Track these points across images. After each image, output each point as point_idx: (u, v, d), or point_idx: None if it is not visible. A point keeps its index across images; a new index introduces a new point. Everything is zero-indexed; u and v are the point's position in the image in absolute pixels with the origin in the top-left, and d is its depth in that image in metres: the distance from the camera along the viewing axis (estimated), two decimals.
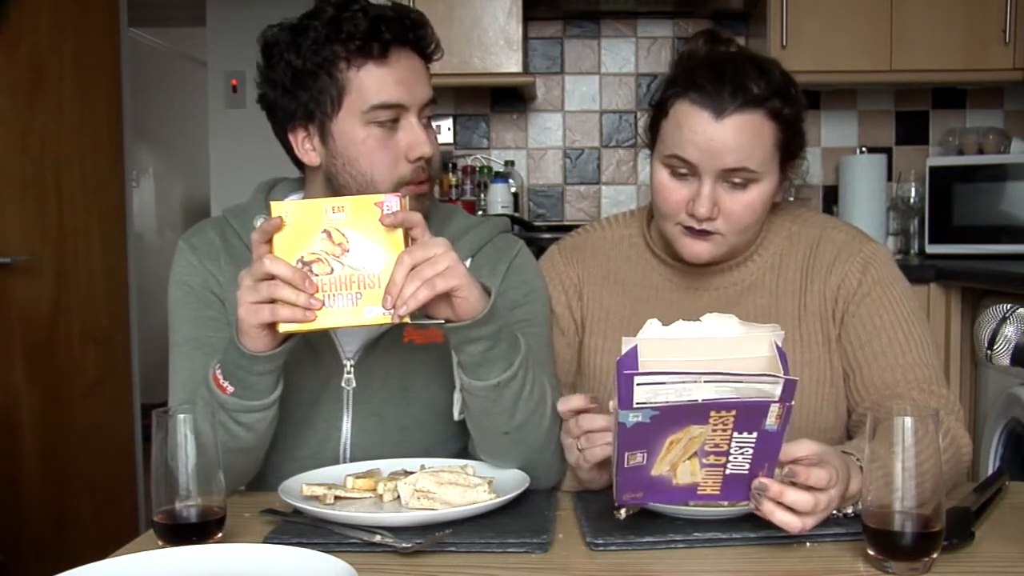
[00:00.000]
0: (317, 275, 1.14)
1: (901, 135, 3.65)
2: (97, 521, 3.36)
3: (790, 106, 1.37)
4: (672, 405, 0.98)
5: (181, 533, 1.07)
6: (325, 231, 1.14)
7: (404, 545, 1.06)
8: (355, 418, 1.40)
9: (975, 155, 3.39)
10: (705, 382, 0.97)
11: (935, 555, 0.99)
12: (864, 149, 3.60)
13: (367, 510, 1.17)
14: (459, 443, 1.43)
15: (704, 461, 1.04)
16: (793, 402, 1.00)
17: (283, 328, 1.15)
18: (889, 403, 1.33)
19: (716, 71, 1.35)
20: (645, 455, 1.03)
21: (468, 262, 1.42)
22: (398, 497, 1.17)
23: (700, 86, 1.34)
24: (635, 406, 0.97)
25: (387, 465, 1.32)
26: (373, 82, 1.31)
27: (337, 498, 1.19)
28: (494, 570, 1.03)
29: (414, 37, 1.35)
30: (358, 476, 1.24)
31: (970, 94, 3.62)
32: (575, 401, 1.24)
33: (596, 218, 3.29)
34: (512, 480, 1.25)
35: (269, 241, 1.15)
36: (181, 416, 1.08)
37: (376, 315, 1.15)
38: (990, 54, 3.21)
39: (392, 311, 1.14)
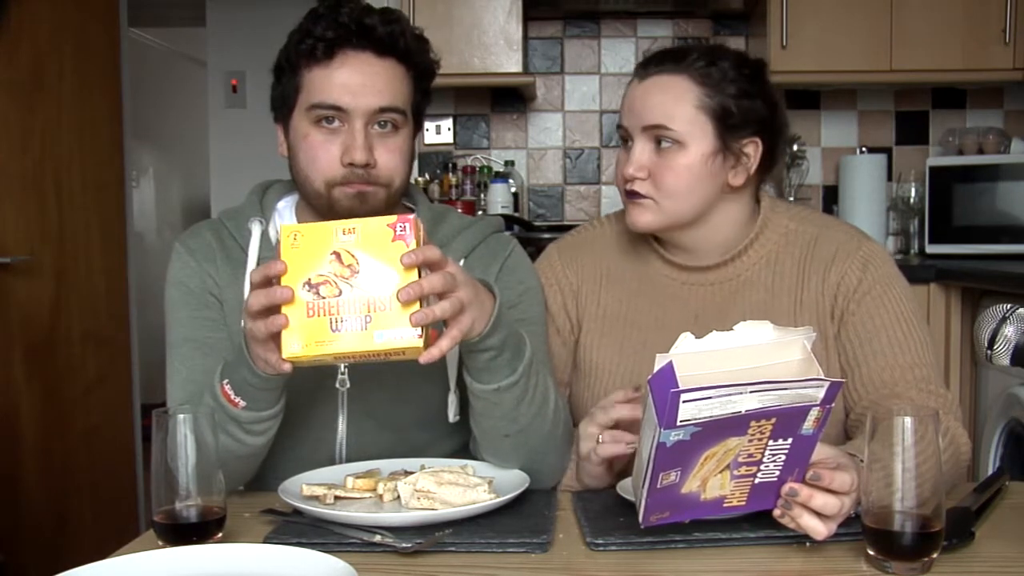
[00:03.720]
0: (324, 297, 1.08)
1: (901, 135, 3.65)
2: (97, 521, 3.36)
3: (730, 80, 1.40)
4: (715, 419, 0.95)
5: (181, 533, 1.07)
6: (334, 252, 1.09)
7: (404, 545, 1.06)
8: (350, 418, 1.40)
9: (975, 155, 3.39)
10: (751, 392, 0.94)
11: (935, 555, 0.99)
12: (864, 149, 3.60)
13: (367, 510, 1.17)
14: (454, 443, 1.43)
15: (735, 472, 1.02)
16: (833, 405, 0.98)
17: (285, 354, 1.09)
18: (887, 402, 1.33)
19: (661, 51, 1.45)
20: (679, 473, 1.00)
21: (461, 263, 1.42)
22: (398, 497, 1.17)
23: (641, 63, 1.45)
24: (679, 424, 0.94)
25: (387, 465, 1.32)
26: (316, 82, 1.33)
27: (337, 498, 1.19)
28: (494, 570, 1.03)
29: (362, 41, 1.32)
30: (358, 476, 1.24)
31: (970, 94, 3.62)
32: (621, 395, 1.29)
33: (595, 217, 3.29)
34: (512, 480, 1.25)
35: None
36: (181, 416, 1.08)
37: (385, 340, 1.08)
38: (990, 54, 3.21)
39: (419, 333, 1.08)
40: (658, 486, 0.99)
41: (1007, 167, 3.17)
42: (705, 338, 1.04)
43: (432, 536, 1.08)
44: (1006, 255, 3.07)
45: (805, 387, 0.96)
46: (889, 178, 3.50)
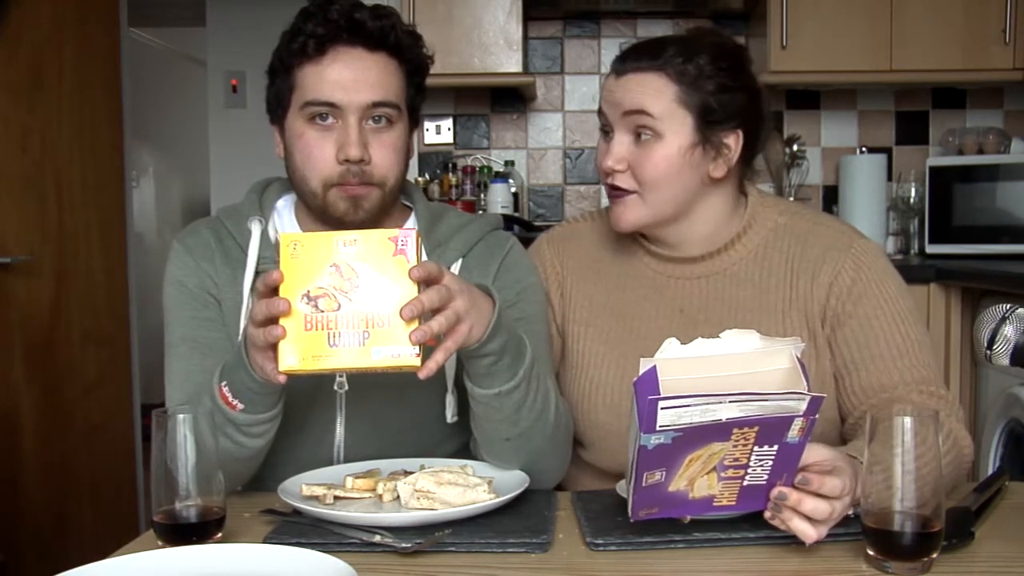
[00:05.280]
0: (323, 311, 1.08)
1: (901, 135, 3.65)
2: (97, 521, 3.36)
3: (708, 77, 1.39)
4: (695, 426, 0.95)
5: (181, 533, 1.07)
6: (334, 265, 1.09)
7: (404, 545, 1.06)
8: (348, 421, 1.39)
9: (975, 155, 3.39)
10: (730, 402, 0.95)
11: (935, 555, 0.99)
12: (864, 149, 3.60)
13: (367, 510, 1.17)
14: (453, 445, 1.43)
15: (722, 475, 1.02)
16: (817, 415, 0.98)
17: (282, 367, 1.09)
18: (889, 407, 1.32)
19: (638, 45, 1.44)
20: (664, 473, 1.00)
21: (459, 262, 1.42)
22: (398, 497, 1.17)
23: (618, 57, 1.44)
24: (658, 429, 0.94)
25: (387, 465, 1.32)
26: (308, 80, 1.33)
27: (337, 498, 1.19)
28: (494, 570, 1.03)
29: (353, 36, 1.32)
30: (358, 476, 1.23)
31: (970, 94, 3.62)
32: None
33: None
34: (512, 480, 1.25)
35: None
36: (181, 416, 1.08)
37: (383, 357, 1.08)
38: (990, 54, 3.21)
39: (417, 351, 1.09)
40: (643, 484, 1.00)
41: (1007, 167, 3.17)
42: (690, 344, 1.04)
43: (432, 536, 1.08)
44: (1006, 255, 3.07)
45: (786, 399, 0.97)
46: (889, 178, 3.50)
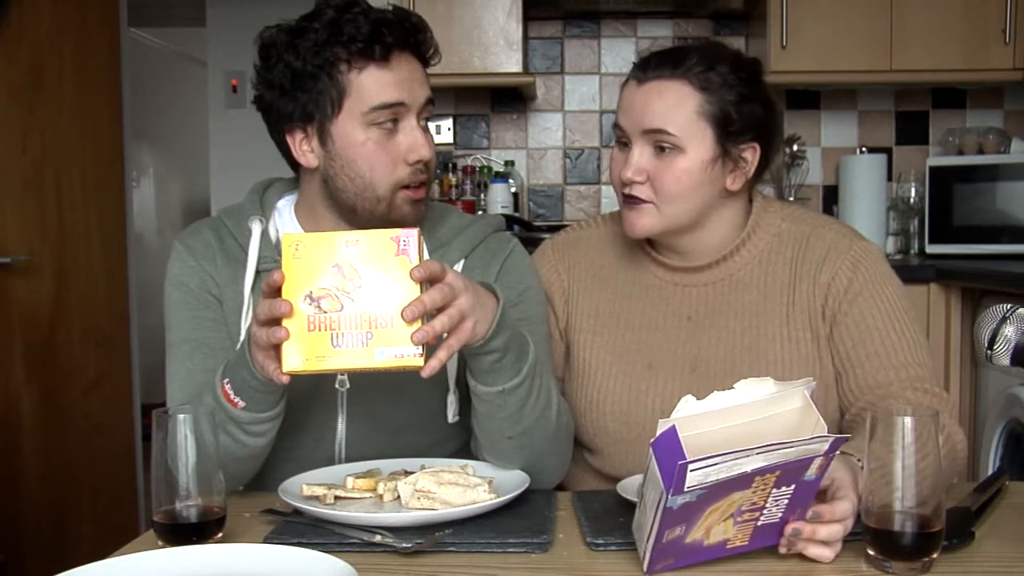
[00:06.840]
0: (326, 311, 1.09)
1: (901, 135, 3.65)
2: (97, 521, 3.36)
3: (730, 86, 1.39)
4: (721, 481, 0.94)
5: (181, 533, 1.07)
6: (336, 265, 1.09)
7: (404, 545, 1.06)
8: (349, 419, 1.40)
9: (975, 155, 3.39)
10: (757, 454, 0.94)
11: (935, 555, 0.99)
12: (864, 149, 3.60)
13: (367, 510, 1.17)
14: (454, 444, 1.43)
15: (738, 519, 1.01)
16: (837, 452, 0.98)
17: (286, 368, 1.10)
18: (884, 403, 1.33)
19: (659, 53, 1.43)
20: (684, 528, 0.99)
21: (461, 263, 1.42)
22: (398, 497, 1.17)
23: (638, 65, 1.42)
24: (686, 490, 0.93)
25: (387, 465, 1.32)
26: (373, 84, 1.31)
27: (337, 498, 1.19)
28: (494, 570, 1.03)
29: (414, 41, 1.35)
30: (358, 476, 1.24)
31: (970, 94, 3.61)
32: None
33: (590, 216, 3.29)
34: (512, 480, 1.25)
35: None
36: (181, 416, 1.08)
37: (387, 358, 1.09)
38: (990, 54, 3.21)
39: (420, 351, 1.10)
40: (663, 541, 0.99)
41: (1007, 167, 3.17)
42: (707, 399, 1.02)
43: (432, 536, 1.08)
44: (1006, 255, 3.07)
45: (810, 443, 0.96)
46: (889, 178, 3.50)
